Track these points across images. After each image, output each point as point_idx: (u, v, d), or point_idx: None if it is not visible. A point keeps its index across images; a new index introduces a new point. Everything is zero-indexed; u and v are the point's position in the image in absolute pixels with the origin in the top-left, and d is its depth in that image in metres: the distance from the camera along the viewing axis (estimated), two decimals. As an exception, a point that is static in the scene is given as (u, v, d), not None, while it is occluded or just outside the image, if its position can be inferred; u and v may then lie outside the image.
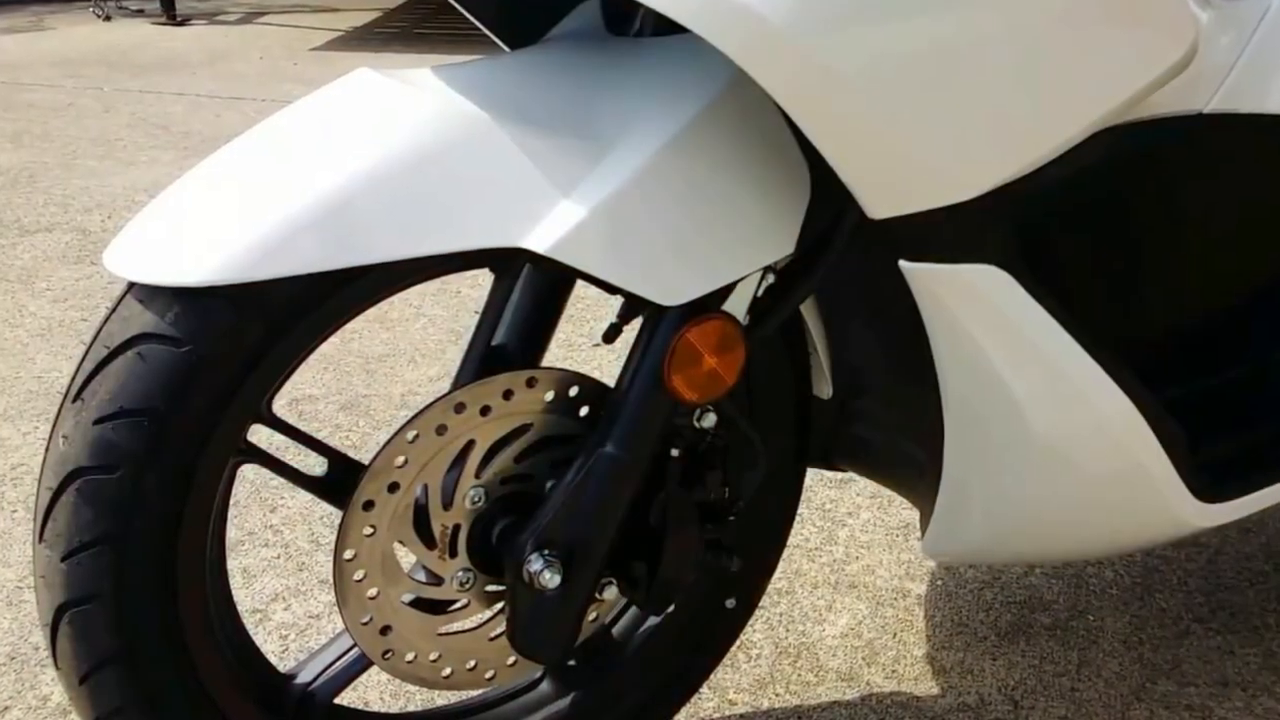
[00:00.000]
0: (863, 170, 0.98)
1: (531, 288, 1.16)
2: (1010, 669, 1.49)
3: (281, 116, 1.04)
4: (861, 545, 1.75)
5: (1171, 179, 1.26)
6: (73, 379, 0.98)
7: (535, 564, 1.04)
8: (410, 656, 1.10)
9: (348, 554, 1.04)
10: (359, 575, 1.05)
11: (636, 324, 1.08)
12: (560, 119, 1.02)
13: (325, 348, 2.02)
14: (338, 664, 1.16)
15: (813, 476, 1.69)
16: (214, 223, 0.95)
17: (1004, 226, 1.07)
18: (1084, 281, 1.25)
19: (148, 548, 0.97)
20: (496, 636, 1.14)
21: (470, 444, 1.06)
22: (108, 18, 6.32)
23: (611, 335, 1.16)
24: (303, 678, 1.16)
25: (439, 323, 2.55)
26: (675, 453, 1.09)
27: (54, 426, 0.99)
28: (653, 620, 1.29)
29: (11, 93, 4.69)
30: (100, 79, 4.92)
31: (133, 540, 0.96)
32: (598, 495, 1.06)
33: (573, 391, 1.09)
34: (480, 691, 1.26)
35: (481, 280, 1.09)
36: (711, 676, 1.39)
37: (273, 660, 1.20)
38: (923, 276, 1.06)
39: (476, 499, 1.07)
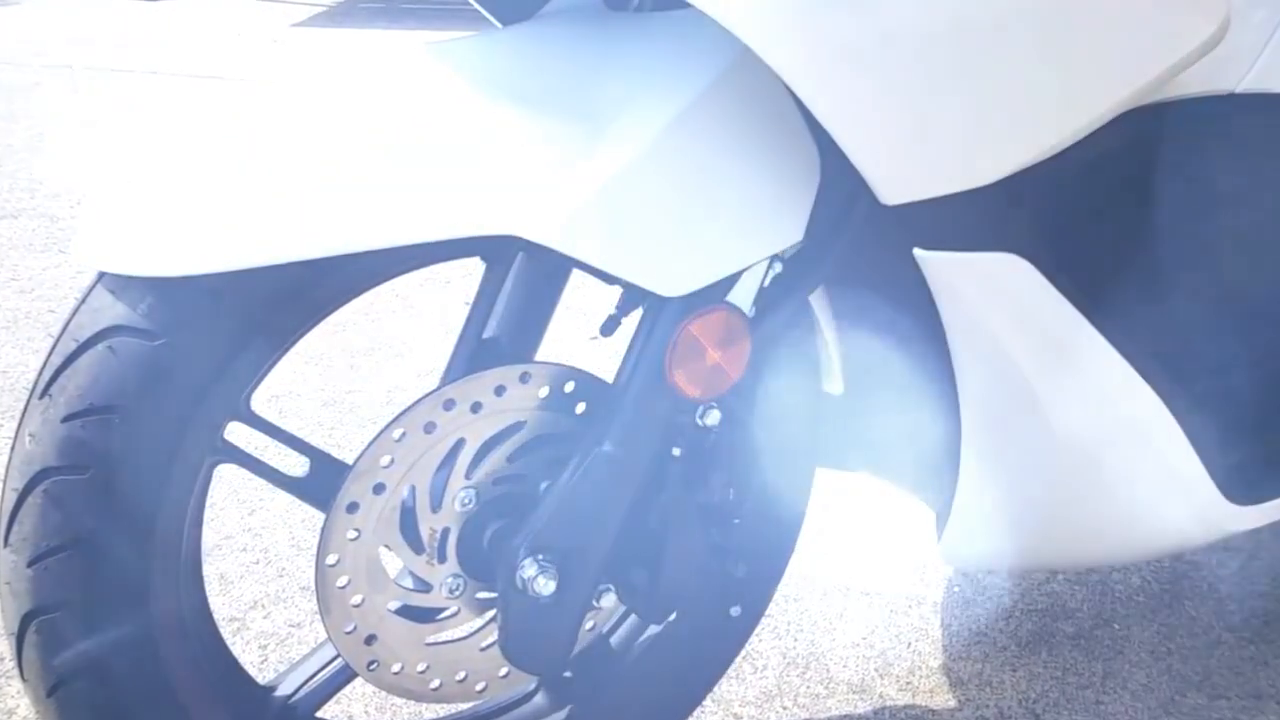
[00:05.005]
0: (875, 154, 0.98)
1: (525, 278, 1.16)
2: (1031, 680, 1.50)
3: (261, 97, 1.04)
4: (874, 550, 1.75)
5: (1201, 162, 1.26)
6: (40, 374, 0.98)
7: (529, 570, 1.04)
8: (397, 667, 1.10)
9: (330, 559, 1.04)
10: (342, 581, 1.05)
11: (636, 316, 1.08)
12: (555, 99, 1.02)
13: (307, 341, 2.02)
14: (320, 675, 1.17)
15: (821, 477, 1.69)
16: (189, 209, 0.95)
17: (1025, 213, 1.07)
18: (1109, 271, 1.25)
19: (119, 552, 0.97)
20: (488, 646, 1.14)
21: (460, 442, 1.06)
22: (77, -8, 6.32)
23: (610, 328, 1.16)
24: (283, 690, 1.16)
25: (427, 315, 2.55)
26: (677, 452, 1.09)
27: (20, 424, 0.99)
28: (653, 629, 1.29)
29: (-25, 72, 4.69)
30: (69, 57, 4.92)
31: (103, 544, 0.96)
32: (595, 497, 1.06)
33: (569, 387, 1.09)
34: (471, 705, 1.26)
35: (473, 270, 1.09)
36: (715, 689, 1.39)
37: (251, 671, 1.20)
38: (939, 266, 1.06)
39: (467, 501, 1.07)
